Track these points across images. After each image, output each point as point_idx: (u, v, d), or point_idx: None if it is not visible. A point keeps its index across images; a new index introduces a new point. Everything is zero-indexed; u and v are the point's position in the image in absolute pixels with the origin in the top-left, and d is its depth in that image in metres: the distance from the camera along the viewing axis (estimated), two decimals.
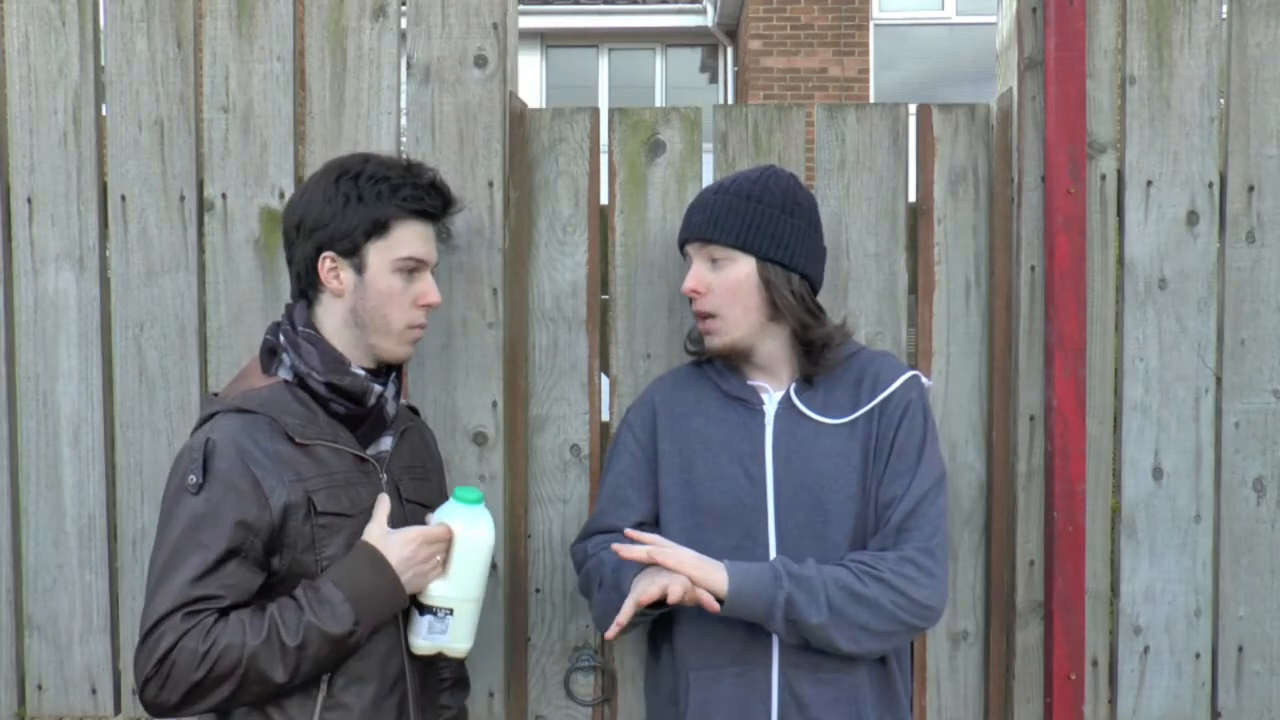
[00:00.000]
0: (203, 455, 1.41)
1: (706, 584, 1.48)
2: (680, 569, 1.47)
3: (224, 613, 1.39)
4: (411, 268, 1.54)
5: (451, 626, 1.55)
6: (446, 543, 1.53)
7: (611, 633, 1.49)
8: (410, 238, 1.54)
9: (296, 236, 1.54)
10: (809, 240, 1.61)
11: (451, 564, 1.54)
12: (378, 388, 1.54)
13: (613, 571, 1.59)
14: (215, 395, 1.56)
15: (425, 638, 1.55)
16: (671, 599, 1.47)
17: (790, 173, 1.65)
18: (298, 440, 1.46)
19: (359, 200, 1.51)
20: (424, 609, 1.54)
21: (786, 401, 1.62)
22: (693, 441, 1.64)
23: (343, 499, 1.48)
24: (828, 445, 1.59)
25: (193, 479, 1.40)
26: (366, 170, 1.53)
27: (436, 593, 1.53)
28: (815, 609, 1.48)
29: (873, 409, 1.60)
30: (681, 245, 1.67)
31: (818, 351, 1.61)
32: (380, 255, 1.52)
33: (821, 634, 1.49)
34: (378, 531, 1.49)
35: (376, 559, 1.47)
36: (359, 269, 1.52)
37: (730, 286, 1.58)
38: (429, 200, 1.55)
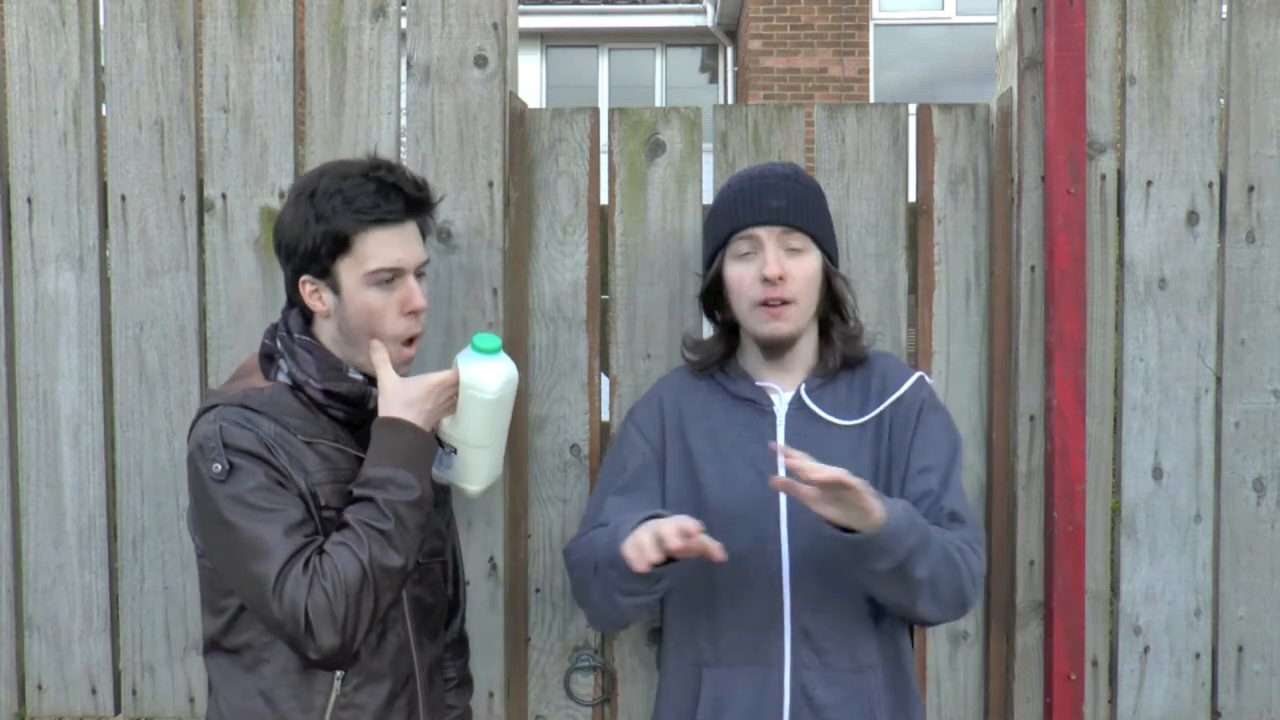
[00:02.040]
0: (220, 441, 1.40)
1: (865, 505, 1.36)
2: (845, 479, 1.34)
3: (320, 552, 1.40)
4: (386, 278, 1.48)
5: (457, 464, 1.58)
6: (456, 385, 1.54)
7: (643, 565, 1.39)
8: (376, 248, 1.47)
9: (280, 257, 1.53)
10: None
11: (458, 408, 1.54)
12: (375, 391, 1.54)
13: (606, 547, 1.51)
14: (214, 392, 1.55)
15: (438, 468, 1.55)
16: (678, 544, 1.37)
17: None
18: (300, 438, 1.46)
19: (318, 219, 1.46)
20: (440, 442, 1.56)
21: (797, 402, 1.61)
22: (703, 443, 1.63)
23: (346, 495, 1.48)
24: (840, 447, 1.58)
25: (218, 467, 1.39)
26: (321, 186, 1.47)
27: (445, 430, 1.56)
28: (925, 563, 1.43)
29: (883, 412, 1.60)
30: (737, 229, 1.58)
31: (852, 343, 1.63)
32: (350, 272, 1.47)
33: (915, 589, 1.44)
34: (386, 380, 1.49)
35: (392, 423, 1.47)
36: (335, 289, 1.49)
37: (809, 276, 1.58)
38: (386, 205, 1.47)
